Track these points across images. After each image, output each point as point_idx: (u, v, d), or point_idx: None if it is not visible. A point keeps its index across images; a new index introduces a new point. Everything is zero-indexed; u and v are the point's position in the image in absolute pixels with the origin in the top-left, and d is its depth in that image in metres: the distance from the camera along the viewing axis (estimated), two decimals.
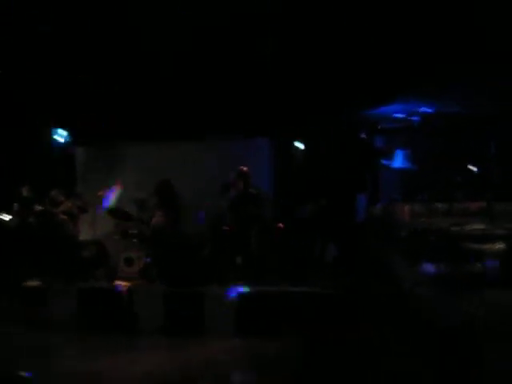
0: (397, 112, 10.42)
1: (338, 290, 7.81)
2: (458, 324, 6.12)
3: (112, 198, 10.50)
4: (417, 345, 6.15)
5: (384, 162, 11.14)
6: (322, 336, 7.01)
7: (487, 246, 8.70)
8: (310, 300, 7.56)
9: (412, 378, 5.47)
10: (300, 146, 10.74)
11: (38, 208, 10.12)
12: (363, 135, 10.53)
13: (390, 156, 11.04)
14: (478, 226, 9.80)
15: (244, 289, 7.83)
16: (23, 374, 5.74)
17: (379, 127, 11.20)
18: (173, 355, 6.97)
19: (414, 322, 6.65)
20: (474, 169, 11.22)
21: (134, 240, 10.02)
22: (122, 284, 8.68)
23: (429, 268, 8.27)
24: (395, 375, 5.52)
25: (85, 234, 10.63)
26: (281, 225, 10.24)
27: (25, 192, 10.31)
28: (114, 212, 10.27)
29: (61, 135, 10.80)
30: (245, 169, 9.22)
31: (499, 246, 8.61)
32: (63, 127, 10.77)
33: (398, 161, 11.04)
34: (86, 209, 10.30)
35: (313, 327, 7.17)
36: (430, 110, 10.29)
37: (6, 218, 10.12)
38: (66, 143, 10.97)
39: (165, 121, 10.99)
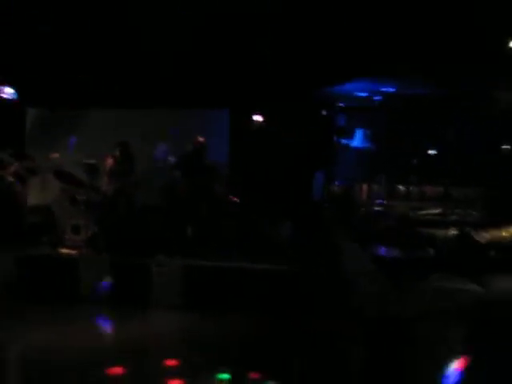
0: (359, 90, 10.26)
1: (286, 268, 7.74)
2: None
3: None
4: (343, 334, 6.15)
5: (343, 140, 11.00)
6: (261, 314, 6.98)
7: (441, 232, 8.68)
8: (255, 277, 7.48)
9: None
10: (259, 119, 10.49)
11: None
12: (324, 112, 10.34)
13: (349, 135, 10.90)
14: (434, 211, 9.82)
15: (191, 262, 7.71)
16: None
17: (340, 105, 11.01)
18: (114, 327, 6.81)
19: (347, 309, 6.62)
20: (433, 152, 11.18)
21: (83, 207, 9.67)
22: (66, 252, 8.41)
23: (382, 252, 8.21)
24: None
25: (33, 198, 10.20)
26: (235, 198, 10.08)
27: None
28: (61, 175, 9.88)
29: (9, 93, 10.29)
30: (201, 139, 8.98)
31: (452, 232, 8.60)
32: (11, 84, 10.25)
33: (358, 140, 10.91)
34: (35, 171, 9.87)
35: (254, 304, 7.11)
36: (391, 90, 10.16)
37: None
38: (13, 101, 10.45)
39: (125, 86, 10.58)
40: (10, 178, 9.44)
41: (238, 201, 10.11)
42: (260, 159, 10.50)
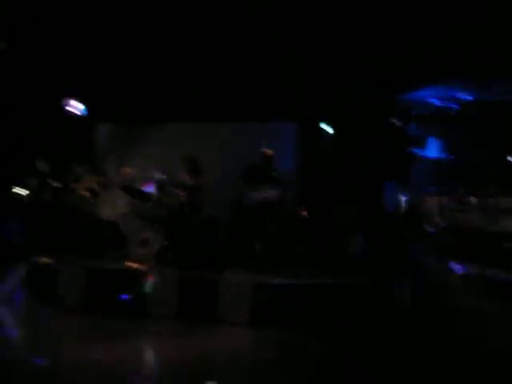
0: (433, 98, 9.79)
1: (358, 283, 7.40)
2: None
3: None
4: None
5: (416, 150, 10.52)
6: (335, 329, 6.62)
7: None
8: (328, 292, 7.18)
9: None
10: (329, 130, 10.16)
11: (54, 183, 9.78)
12: (396, 121, 9.91)
13: (422, 144, 10.41)
14: None
15: (260, 278, 7.46)
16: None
17: (413, 113, 10.54)
18: (182, 343, 6.62)
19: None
20: None
21: (151, 221, 9.60)
22: (135, 266, 8.31)
23: (458, 268, 7.76)
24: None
25: (102, 212, 10.19)
26: (304, 212, 9.79)
27: (40, 166, 9.97)
28: (130, 190, 9.86)
29: (79, 108, 10.38)
30: (269, 151, 8.74)
31: None
32: (81, 100, 10.36)
33: (431, 150, 10.40)
34: (107, 186, 9.88)
35: (328, 319, 6.81)
36: (469, 98, 9.65)
37: (23, 192, 9.81)
38: (83, 117, 10.54)
39: (191, 101, 10.68)
40: (83, 192, 9.49)
41: (307, 214, 9.83)
42: (329, 171, 10.21)
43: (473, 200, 10.06)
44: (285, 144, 10.41)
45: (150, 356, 6.08)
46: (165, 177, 9.42)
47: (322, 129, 10.05)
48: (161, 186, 9.56)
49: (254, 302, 7.34)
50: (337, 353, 6.18)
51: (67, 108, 10.22)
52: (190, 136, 10.93)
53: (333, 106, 9.77)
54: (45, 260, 8.39)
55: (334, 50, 8.87)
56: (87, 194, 9.52)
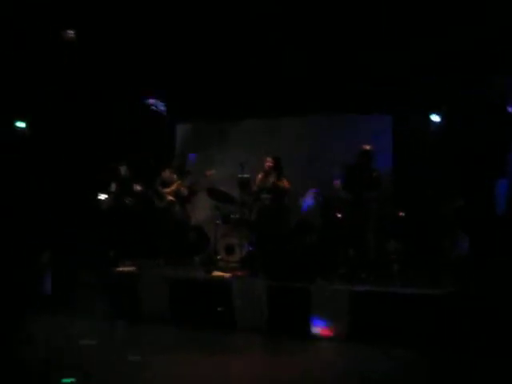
0: None
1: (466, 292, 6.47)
2: None
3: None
4: None
5: None
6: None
7: None
8: (432, 302, 6.29)
9: None
10: (437, 119, 9.20)
11: (137, 188, 9.38)
12: (509, 108, 8.77)
13: None
14: None
15: (357, 287, 6.65)
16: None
17: None
18: (277, 360, 5.92)
19: None
20: None
21: (236, 225, 9.01)
22: (219, 274, 7.71)
23: None
24: None
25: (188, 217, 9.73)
26: (401, 213, 8.90)
27: (123, 171, 9.61)
28: (213, 193, 9.30)
29: (160, 106, 10.02)
30: (368, 147, 7.83)
31: None
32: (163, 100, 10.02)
33: None
34: (195, 191, 9.38)
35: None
36: None
37: (103, 197, 9.51)
38: (163, 115, 10.14)
39: (276, 94, 10.08)
40: (171, 198, 9.02)
41: (405, 216, 8.95)
42: (429, 167, 9.25)
43: None
44: (380, 138, 9.51)
45: (240, 373, 5.41)
46: (249, 176, 8.79)
47: (427, 120, 9.06)
48: (245, 185, 8.93)
49: (350, 313, 6.54)
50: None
51: (149, 105, 9.90)
52: (273, 132, 10.40)
53: (438, 95, 8.78)
54: (127, 268, 7.95)
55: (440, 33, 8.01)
56: (174, 198, 9.00)
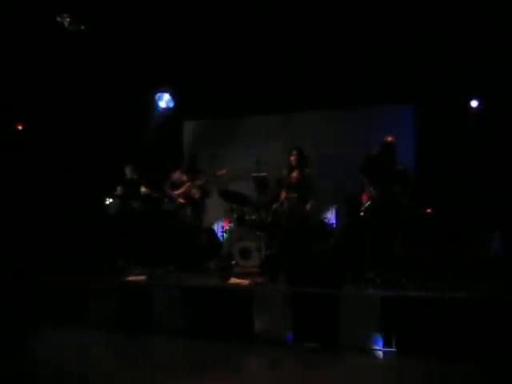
0: None
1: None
2: None
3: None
4: None
5: None
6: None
7: None
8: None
9: None
10: (474, 104, 8.65)
11: (144, 191, 8.82)
12: None
13: None
14: None
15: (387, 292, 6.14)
16: None
17: None
18: (306, 375, 5.32)
19: None
20: None
21: (252, 227, 8.41)
22: (236, 282, 7.11)
23: None
24: None
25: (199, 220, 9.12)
26: (429, 210, 8.31)
27: (128, 173, 9.06)
28: (226, 194, 8.70)
29: (167, 101, 9.52)
30: (390, 139, 7.19)
31: None
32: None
33: None
34: (207, 193, 8.74)
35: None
36: None
37: (109, 202, 8.99)
38: (171, 112, 9.58)
39: (285, 89, 9.59)
40: (181, 200, 8.41)
41: (432, 212, 8.36)
42: (456, 159, 8.68)
43: None
44: (401, 129, 8.96)
45: None
46: (266, 174, 8.17)
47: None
48: (262, 184, 8.34)
49: (380, 323, 5.93)
50: None
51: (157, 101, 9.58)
52: (289, 127, 9.80)
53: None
54: (137, 277, 7.37)
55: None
56: (184, 201, 8.39)
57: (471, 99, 8.78)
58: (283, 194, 7.75)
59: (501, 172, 8.44)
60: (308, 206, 7.58)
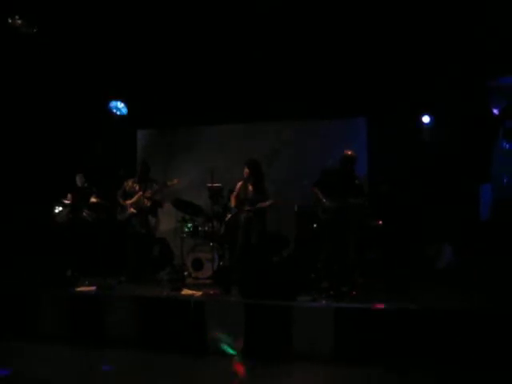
0: None
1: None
2: None
3: None
4: None
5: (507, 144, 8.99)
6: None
7: None
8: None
9: None
10: (427, 121, 8.83)
11: (93, 200, 8.66)
12: (495, 110, 8.33)
13: None
14: None
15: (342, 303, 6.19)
16: None
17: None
18: None
19: None
20: None
21: (205, 238, 8.34)
22: (188, 293, 7.02)
23: None
24: None
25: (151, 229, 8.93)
26: (379, 222, 8.47)
27: (79, 181, 8.88)
28: (179, 204, 8.60)
29: (120, 108, 9.38)
30: (350, 152, 7.22)
31: None
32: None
33: None
34: (159, 202, 8.49)
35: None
36: None
37: (57, 211, 8.78)
38: (123, 120, 9.44)
39: (247, 98, 9.63)
40: (132, 210, 8.24)
41: (382, 224, 8.49)
42: (409, 172, 8.81)
43: None
44: (354, 142, 9.03)
45: None
46: (220, 185, 8.10)
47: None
48: (216, 195, 8.26)
49: (336, 333, 5.93)
50: None
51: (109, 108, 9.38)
52: (245, 138, 9.80)
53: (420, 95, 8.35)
54: (87, 288, 7.19)
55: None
56: (136, 210, 8.22)
57: (423, 114, 8.93)
58: (239, 207, 7.68)
59: (451, 185, 8.61)
60: (263, 219, 7.57)
